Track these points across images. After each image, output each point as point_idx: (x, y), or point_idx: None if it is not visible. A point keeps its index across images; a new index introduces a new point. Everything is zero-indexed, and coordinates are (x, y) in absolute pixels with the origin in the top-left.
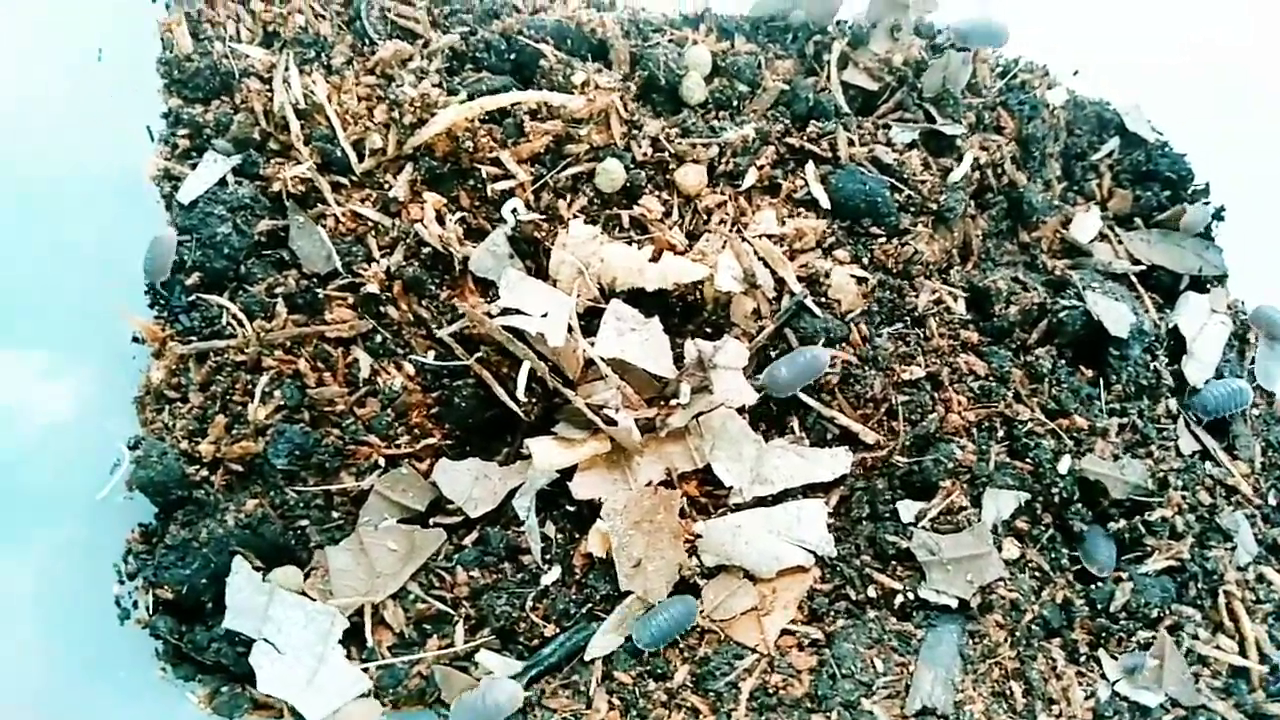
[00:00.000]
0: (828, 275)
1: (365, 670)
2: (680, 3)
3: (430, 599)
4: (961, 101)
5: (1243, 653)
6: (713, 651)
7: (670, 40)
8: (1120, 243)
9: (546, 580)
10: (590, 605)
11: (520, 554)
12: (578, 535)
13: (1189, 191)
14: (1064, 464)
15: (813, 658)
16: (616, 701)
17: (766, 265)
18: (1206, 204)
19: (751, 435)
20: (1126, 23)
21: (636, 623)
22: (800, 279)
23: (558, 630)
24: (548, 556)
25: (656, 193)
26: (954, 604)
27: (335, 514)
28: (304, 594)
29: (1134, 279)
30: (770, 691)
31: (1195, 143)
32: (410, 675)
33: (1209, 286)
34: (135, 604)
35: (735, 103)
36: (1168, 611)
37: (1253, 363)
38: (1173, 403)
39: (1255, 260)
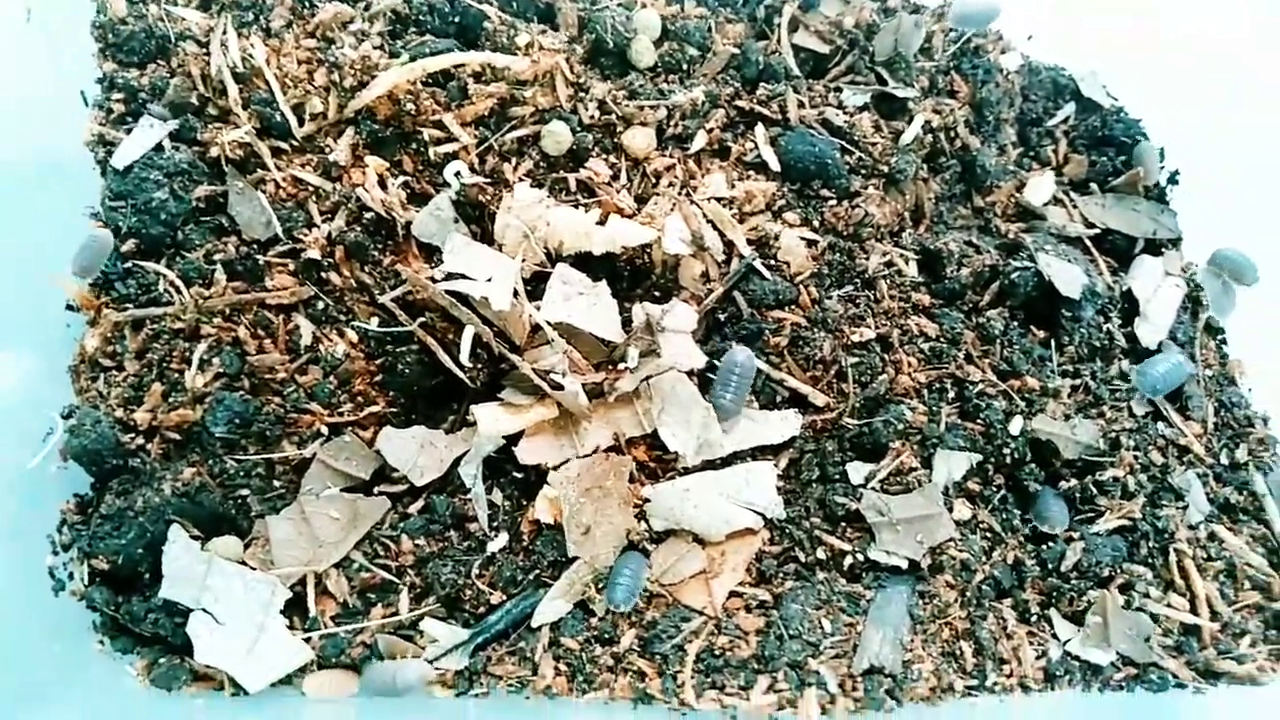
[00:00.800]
0: (777, 238)
1: (307, 640)
2: None
3: (374, 568)
4: (914, 65)
5: (1194, 610)
6: (660, 615)
7: (619, 4)
8: (1075, 207)
9: (493, 547)
10: (537, 572)
11: (467, 521)
12: (525, 502)
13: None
14: (1015, 424)
15: (760, 619)
16: (563, 667)
17: (715, 228)
18: (1161, 168)
19: (700, 400)
20: None
21: (607, 589)
22: (750, 242)
23: (504, 598)
24: (495, 524)
25: (604, 156)
26: (904, 565)
27: (277, 483)
28: (244, 563)
29: (1088, 242)
30: (716, 653)
31: (1151, 109)
32: (353, 644)
33: (1163, 250)
34: (71, 575)
35: (685, 66)
36: (1119, 570)
37: (1205, 325)
38: (1125, 364)
39: (1209, 224)
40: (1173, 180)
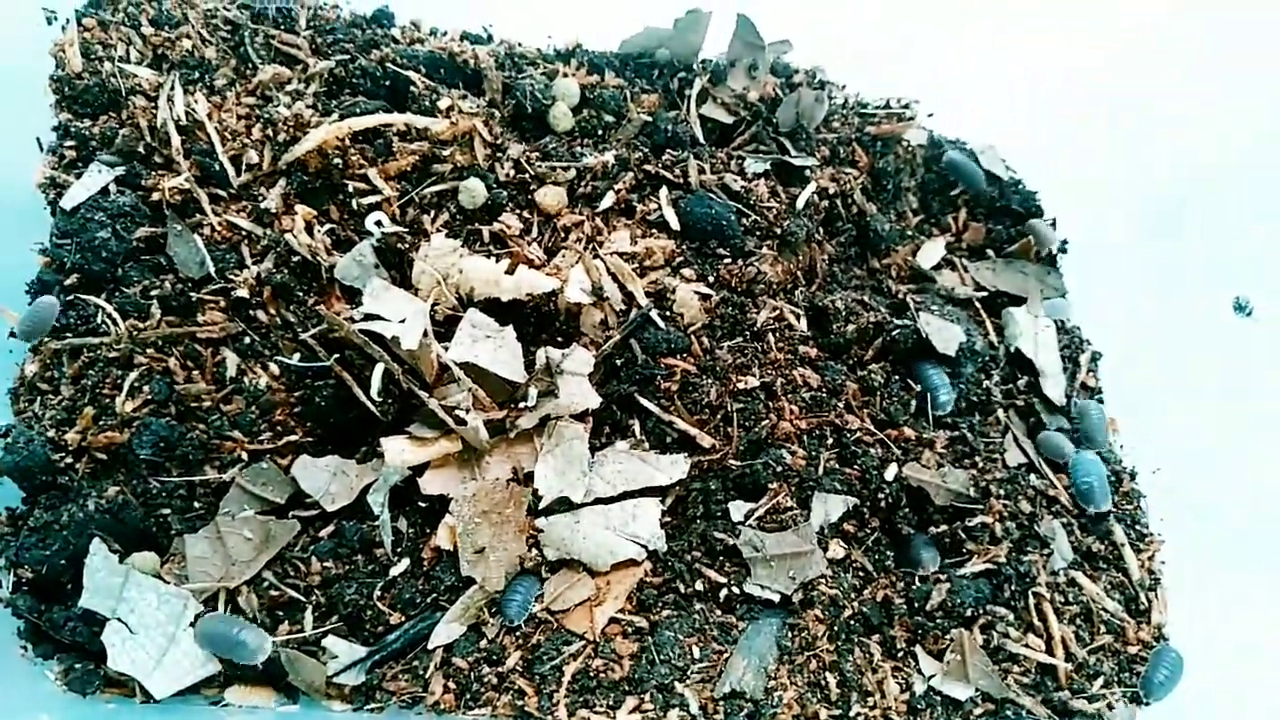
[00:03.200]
0: (674, 291)
1: None
2: (553, 39)
3: (284, 587)
4: (815, 136)
5: (1050, 651)
6: (544, 639)
7: (542, 73)
8: (966, 271)
9: (395, 571)
10: (435, 595)
11: (373, 546)
12: (428, 530)
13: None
14: (890, 471)
15: (635, 644)
16: (452, 685)
17: (616, 280)
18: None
19: (585, 453)
20: (984, 66)
21: (502, 605)
22: (648, 294)
23: (403, 619)
24: (398, 549)
25: (517, 211)
26: (776, 599)
27: (197, 504)
28: (160, 578)
29: (977, 304)
30: (591, 675)
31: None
32: None
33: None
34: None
35: (601, 132)
36: (982, 611)
37: (1082, 385)
38: (1002, 415)
39: (1093, 292)
40: (1062, 249)
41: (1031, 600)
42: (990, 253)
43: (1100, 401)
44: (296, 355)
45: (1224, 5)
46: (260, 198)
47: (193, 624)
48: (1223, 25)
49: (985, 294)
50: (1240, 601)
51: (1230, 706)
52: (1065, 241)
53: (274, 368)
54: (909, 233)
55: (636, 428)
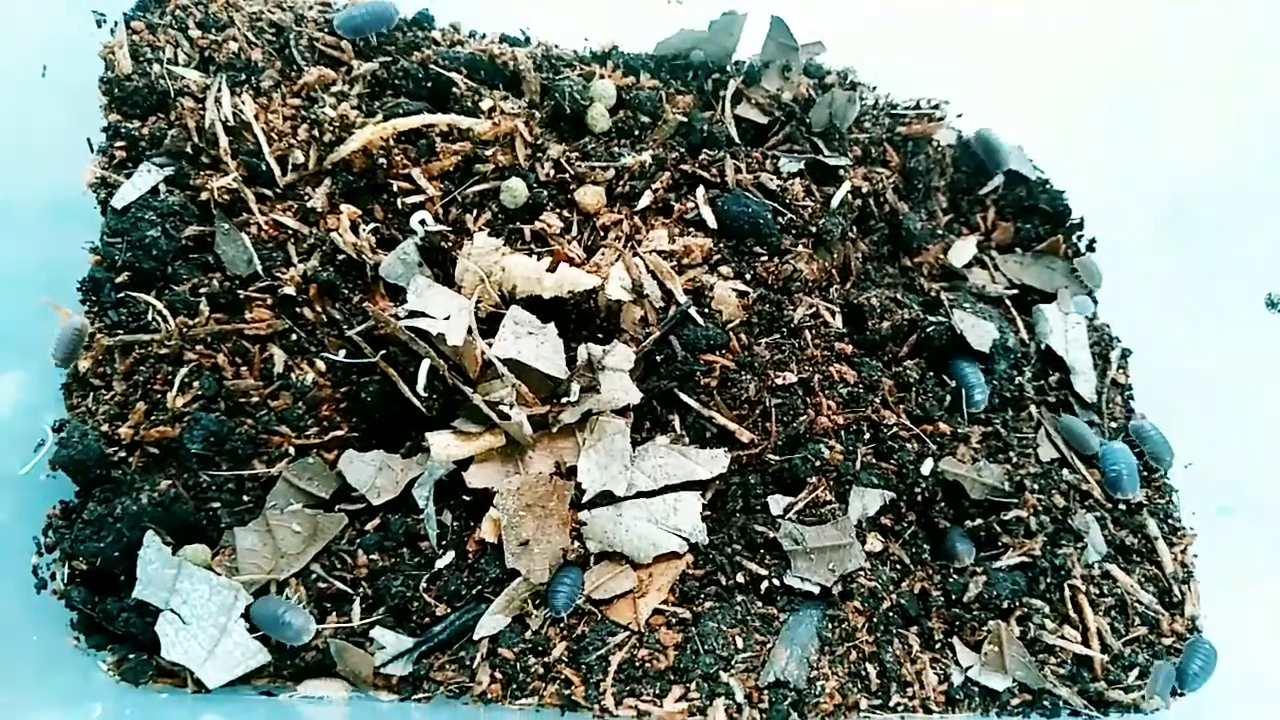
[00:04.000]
0: (712, 289)
1: (265, 642)
2: (589, 41)
3: (331, 579)
4: (848, 136)
5: (1085, 643)
6: (589, 630)
7: (579, 74)
8: (997, 269)
9: (441, 564)
10: (480, 587)
11: (418, 540)
12: (472, 523)
13: (1066, 225)
14: (926, 466)
15: (679, 635)
16: (499, 675)
17: (656, 278)
18: (1080, 236)
19: (628, 448)
20: (1013, 67)
21: (549, 596)
22: (686, 291)
23: (449, 610)
24: (443, 542)
25: (557, 210)
26: (816, 590)
27: (246, 498)
28: (211, 570)
29: (1008, 302)
30: (637, 665)
31: (1074, 180)
32: (307, 649)
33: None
34: (53, 575)
35: (638, 132)
36: (1018, 603)
37: (1112, 381)
38: (1034, 411)
39: (1123, 289)
40: (1090, 248)
41: (1067, 592)
42: (1019, 250)
43: (1130, 399)
44: (342, 352)
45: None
46: (306, 197)
47: (244, 614)
48: (1252, 18)
49: (1015, 292)
50: (1273, 594)
51: (1263, 697)
52: (1094, 240)
53: (320, 364)
54: (940, 231)
55: (676, 423)
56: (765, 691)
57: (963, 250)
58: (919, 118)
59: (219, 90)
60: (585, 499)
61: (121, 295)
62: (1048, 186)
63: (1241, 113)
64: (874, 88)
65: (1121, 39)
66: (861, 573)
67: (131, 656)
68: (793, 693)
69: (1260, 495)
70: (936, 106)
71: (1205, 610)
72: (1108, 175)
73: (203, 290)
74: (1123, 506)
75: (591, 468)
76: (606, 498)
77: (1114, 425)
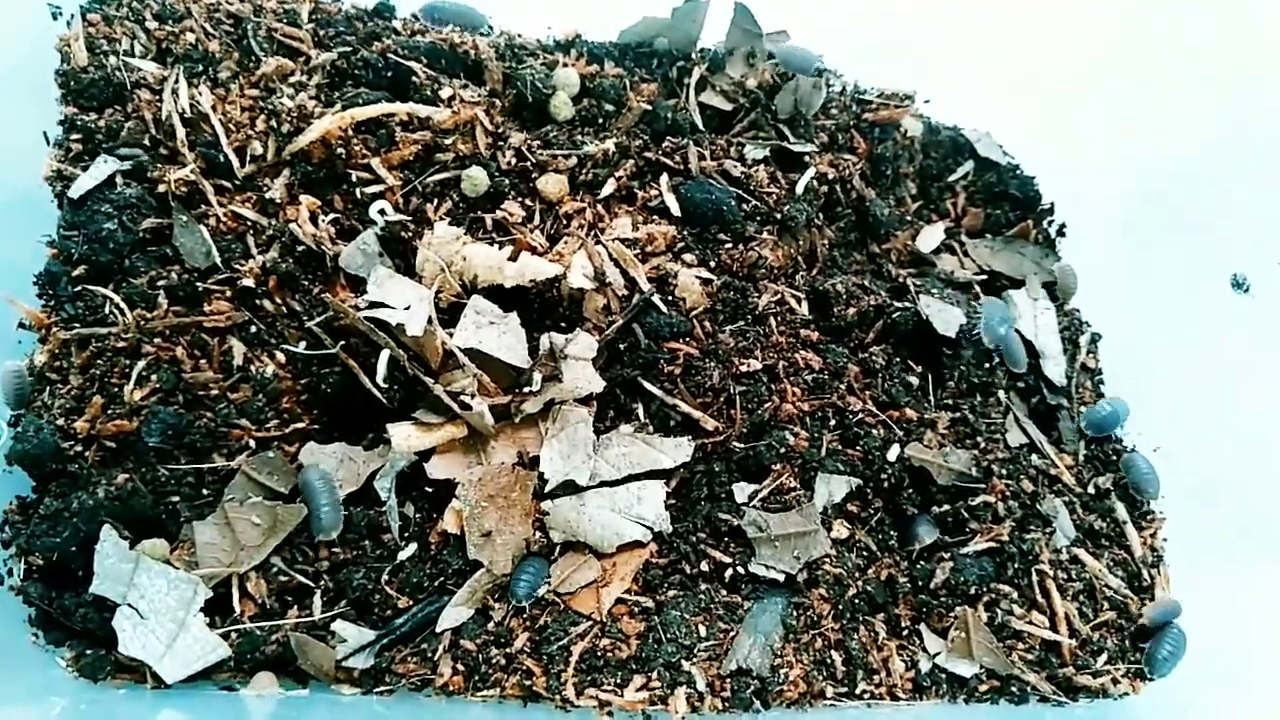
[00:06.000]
0: (675, 276)
1: (225, 637)
2: (552, 30)
3: (292, 572)
4: (814, 123)
5: (1053, 628)
6: (551, 620)
7: (542, 63)
8: (966, 255)
9: (403, 556)
10: (442, 579)
11: (380, 532)
12: (435, 515)
13: (1036, 210)
14: (892, 452)
15: (641, 624)
16: (461, 667)
17: (619, 266)
18: (1050, 221)
19: (591, 436)
20: (981, 52)
21: (510, 585)
22: (650, 279)
23: (411, 602)
24: (405, 534)
25: (520, 199)
26: (781, 578)
27: (205, 491)
28: (170, 564)
29: (977, 287)
30: (598, 654)
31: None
32: (268, 642)
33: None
34: (10, 571)
35: (601, 120)
36: (986, 589)
37: (1082, 365)
38: (1003, 396)
39: (1093, 273)
40: (1061, 233)
41: (1035, 578)
42: (989, 236)
43: (1101, 383)
44: (302, 343)
45: None
46: (265, 188)
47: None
48: (1222, 5)
49: (984, 277)
50: (1242, 579)
51: (1233, 682)
52: (1064, 225)
53: (280, 356)
54: (908, 218)
55: (640, 411)
56: (727, 680)
57: (930, 236)
58: (886, 104)
59: (176, 81)
60: (548, 489)
61: (78, 289)
62: (1018, 172)
63: (1210, 97)
64: (840, 74)
65: (1091, 24)
66: (827, 559)
67: (90, 652)
68: (755, 680)
69: (1229, 478)
70: (907, 97)
71: (1175, 595)
72: (1077, 160)
73: (161, 283)
74: (1092, 491)
75: (554, 457)
76: (569, 487)
77: (1082, 408)
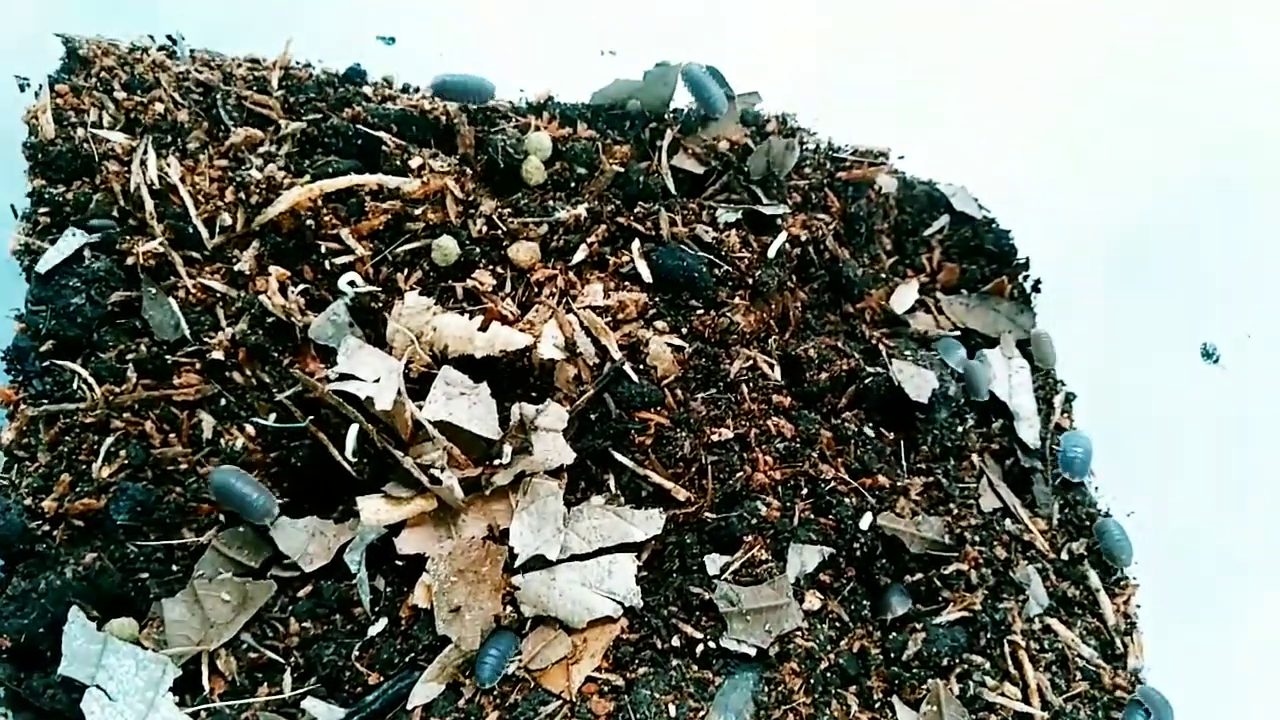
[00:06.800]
0: (647, 344)
1: (194, 716)
2: (525, 93)
3: (262, 648)
4: (786, 183)
5: (1026, 700)
6: (522, 698)
7: (515, 126)
8: (941, 312)
9: (373, 631)
10: (413, 655)
11: (351, 606)
12: (406, 589)
13: (1012, 265)
14: (865, 520)
15: (611, 703)
16: None
17: (590, 334)
18: (1026, 276)
19: (561, 508)
20: (956, 109)
21: (476, 666)
22: (621, 347)
23: (381, 679)
24: (376, 608)
25: (491, 266)
26: (752, 653)
27: (175, 567)
28: (139, 644)
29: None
30: None
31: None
32: None
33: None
34: None
35: (574, 184)
36: (959, 660)
37: (1055, 426)
38: (977, 459)
39: (1068, 331)
40: (1036, 288)
41: (1007, 648)
42: (964, 292)
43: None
44: (273, 416)
45: (1191, 40)
46: (234, 259)
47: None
48: (1192, 57)
49: (957, 335)
50: (1218, 643)
51: None
52: (1039, 281)
53: (250, 429)
54: (883, 275)
55: (612, 482)
56: None
57: (904, 295)
58: (859, 162)
59: (144, 153)
60: (517, 564)
61: (46, 364)
62: (993, 226)
63: (1188, 150)
64: (814, 132)
65: (1067, 77)
66: (799, 633)
67: None
68: None
69: (1204, 542)
70: (882, 155)
71: (1149, 662)
72: (1052, 216)
73: (129, 356)
74: (1065, 557)
75: (524, 531)
76: (540, 561)
77: (1056, 472)
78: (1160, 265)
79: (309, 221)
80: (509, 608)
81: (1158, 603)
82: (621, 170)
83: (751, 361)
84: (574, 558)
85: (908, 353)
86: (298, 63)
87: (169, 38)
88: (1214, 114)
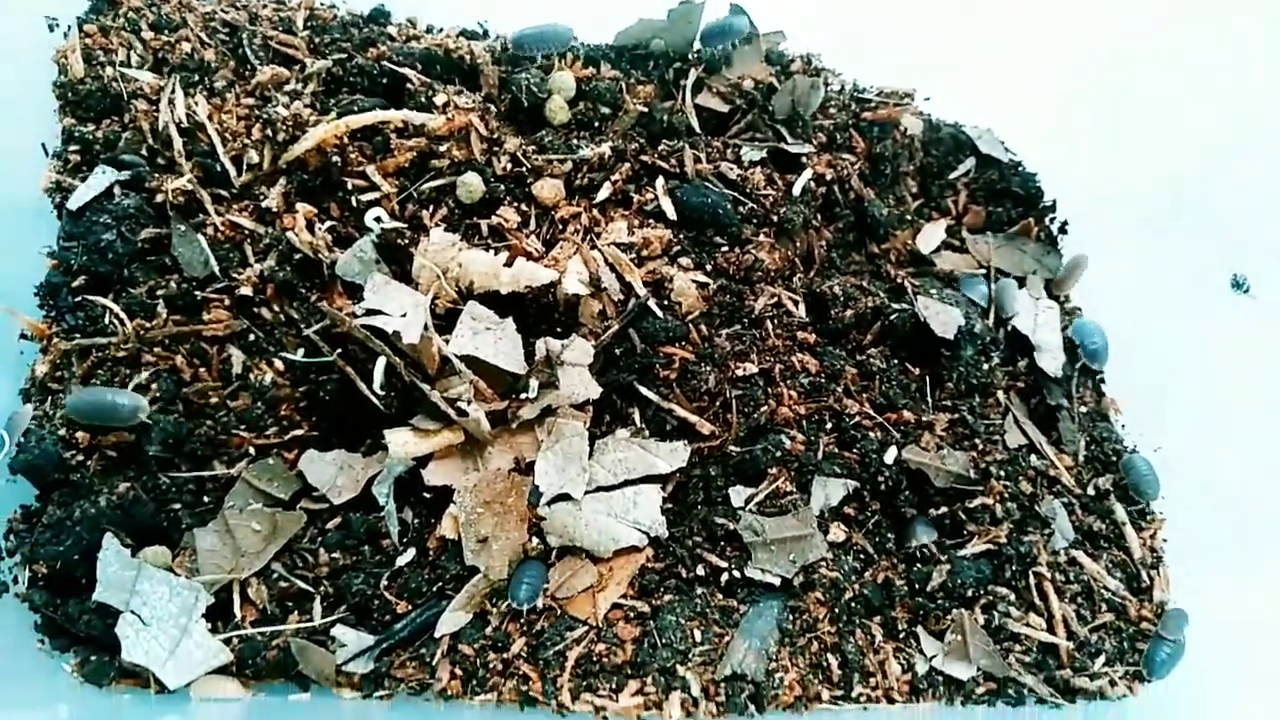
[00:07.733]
0: (671, 280)
1: (227, 642)
2: None
3: (293, 578)
4: (811, 123)
5: (1051, 630)
6: (548, 625)
7: (538, 67)
8: (967, 252)
9: (402, 561)
10: (440, 584)
11: (380, 537)
12: (433, 520)
13: (1038, 207)
14: (890, 454)
15: (637, 629)
16: (459, 671)
17: (614, 270)
18: (1052, 219)
19: (585, 447)
20: (982, 49)
21: (511, 588)
22: (646, 283)
23: (410, 607)
24: (404, 539)
25: (515, 204)
26: (777, 582)
27: (207, 499)
28: (172, 571)
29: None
30: (594, 659)
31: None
32: (269, 648)
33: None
34: (15, 579)
35: (598, 124)
36: (983, 591)
37: (1082, 367)
38: (1002, 396)
39: (1095, 271)
40: (1063, 230)
41: (1032, 580)
42: (990, 234)
43: (1102, 382)
44: (300, 351)
45: None
46: (261, 197)
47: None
48: (1222, 6)
49: (982, 273)
50: (1241, 580)
51: (1232, 684)
52: (1066, 223)
53: (279, 364)
54: (908, 217)
55: (637, 416)
56: (722, 685)
57: (931, 235)
58: (885, 102)
59: (172, 91)
60: (542, 502)
61: (79, 299)
62: (1020, 169)
63: (1215, 92)
64: (839, 73)
65: (1096, 19)
66: (823, 563)
67: (94, 658)
68: (750, 685)
69: (1230, 479)
70: (907, 95)
71: (1174, 596)
72: (1080, 157)
73: (160, 292)
74: (1091, 493)
75: (549, 470)
76: (566, 494)
77: (1083, 410)
78: (1190, 207)
79: (335, 159)
80: (535, 538)
81: (1183, 540)
82: (645, 110)
83: (776, 298)
84: (600, 489)
85: (933, 290)
86: (323, 2)
87: None
88: (1247, 58)
